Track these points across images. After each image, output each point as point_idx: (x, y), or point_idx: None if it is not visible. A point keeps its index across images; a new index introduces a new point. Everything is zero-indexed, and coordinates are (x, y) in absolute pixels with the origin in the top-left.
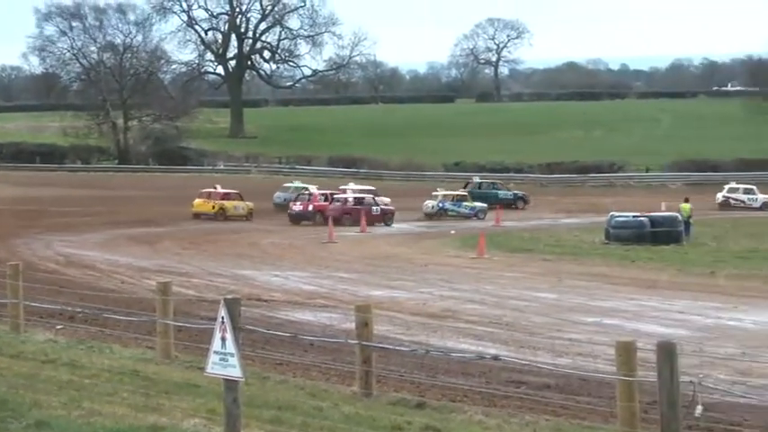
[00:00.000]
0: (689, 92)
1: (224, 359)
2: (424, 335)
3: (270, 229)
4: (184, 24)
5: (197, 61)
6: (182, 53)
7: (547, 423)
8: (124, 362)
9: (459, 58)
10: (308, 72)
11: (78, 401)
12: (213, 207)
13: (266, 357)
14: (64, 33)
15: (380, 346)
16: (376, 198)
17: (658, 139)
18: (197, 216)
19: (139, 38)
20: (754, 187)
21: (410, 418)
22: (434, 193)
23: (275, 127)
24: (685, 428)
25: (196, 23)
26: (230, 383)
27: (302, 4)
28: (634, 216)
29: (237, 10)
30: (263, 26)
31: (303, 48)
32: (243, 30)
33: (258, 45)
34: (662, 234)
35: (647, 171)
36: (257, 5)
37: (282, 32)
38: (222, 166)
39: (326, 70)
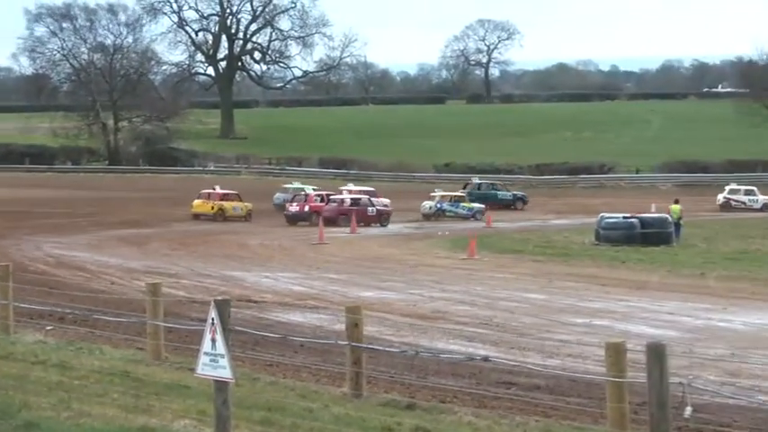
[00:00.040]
0: (679, 93)
1: (214, 360)
2: (414, 336)
3: (258, 231)
4: (175, 25)
5: (187, 62)
6: (172, 54)
7: (537, 424)
8: (114, 363)
9: (450, 60)
10: (298, 73)
11: (68, 403)
12: (212, 208)
13: (256, 358)
14: (54, 34)
15: (371, 347)
16: (376, 199)
17: (648, 141)
18: (196, 217)
19: (130, 39)
20: (755, 188)
21: (400, 420)
22: (432, 194)
23: (266, 128)
24: (675, 429)
25: (187, 24)
26: (220, 385)
27: (293, 6)
28: (624, 217)
29: (228, 11)
30: (253, 27)
31: (294, 49)
32: (233, 31)
33: (249, 46)
34: (652, 235)
35: (637, 172)
36: (248, 6)
37: (273, 33)
38: (212, 167)
39: (317, 71)
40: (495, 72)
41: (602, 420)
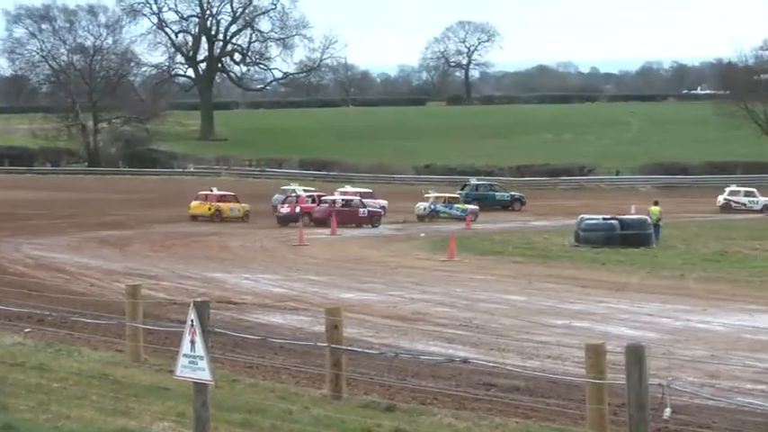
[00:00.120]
0: (659, 95)
1: (193, 362)
2: (393, 338)
3: (240, 233)
4: (154, 27)
5: (167, 63)
6: (152, 55)
7: (516, 425)
8: (93, 365)
9: (430, 61)
10: (278, 75)
11: (47, 405)
12: (209, 209)
13: (236, 360)
14: (33, 35)
15: (350, 348)
16: (372, 200)
17: (628, 143)
18: (194, 218)
19: (110, 40)
20: (755, 190)
21: (380, 421)
22: (426, 195)
23: (246, 129)
24: (654, 431)
25: (166, 26)
26: (200, 387)
27: (273, 7)
28: (604, 219)
29: (208, 12)
30: (233, 29)
31: (274, 50)
32: (213, 32)
33: (229, 47)
34: (632, 237)
35: (617, 174)
36: (228, 8)
37: (253, 35)
38: (192, 169)
39: (297, 73)
40: (475, 74)
41: (582, 422)
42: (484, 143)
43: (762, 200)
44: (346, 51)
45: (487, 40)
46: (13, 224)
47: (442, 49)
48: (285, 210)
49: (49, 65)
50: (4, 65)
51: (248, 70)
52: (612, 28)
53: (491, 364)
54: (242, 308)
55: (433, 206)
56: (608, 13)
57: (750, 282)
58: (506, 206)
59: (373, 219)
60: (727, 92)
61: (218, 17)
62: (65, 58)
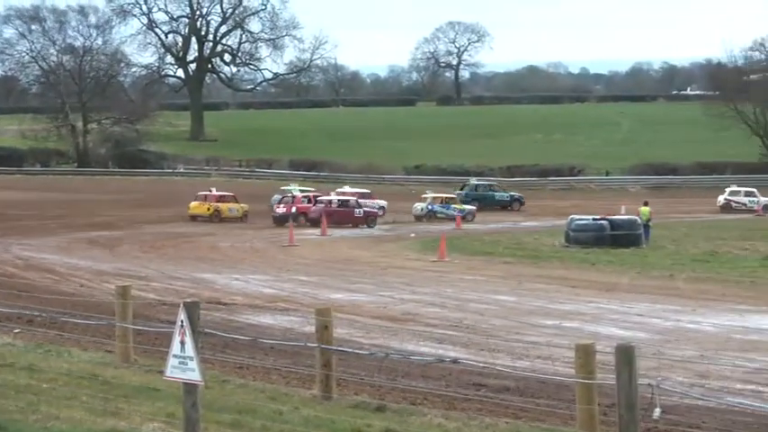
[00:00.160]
0: (648, 96)
1: (183, 363)
2: (384, 338)
3: (231, 233)
4: (144, 27)
5: (157, 64)
6: (142, 56)
7: (506, 426)
8: (83, 365)
9: (420, 62)
10: (268, 75)
11: (36, 405)
12: (208, 209)
13: (226, 361)
14: (23, 36)
15: (340, 349)
16: (371, 200)
17: (618, 143)
18: (193, 218)
19: (99, 41)
20: (755, 190)
21: (370, 422)
22: (424, 196)
23: (236, 130)
24: (644, 431)
25: (156, 26)
26: (190, 387)
27: (263, 8)
28: (594, 219)
29: (198, 13)
30: (223, 29)
31: (264, 51)
32: (203, 33)
33: (219, 48)
34: (622, 237)
35: (607, 174)
36: (218, 8)
37: (243, 35)
38: (182, 170)
39: (287, 73)
40: (465, 74)
41: (572, 422)
42: (474, 143)
43: (762, 200)
44: (336, 52)
45: (477, 41)
46: (2, 225)
47: (432, 50)
48: (281, 210)
49: (39, 65)
50: None
51: (238, 71)
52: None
53: (481, 365)
54: (232, 308)
55: (430, 206)
56: (598, 13)
57: (740, 282)
58: (505, 206)
59: (369, 219)
60: (717, 92)
61: (208, 18)
62: (54, 58)
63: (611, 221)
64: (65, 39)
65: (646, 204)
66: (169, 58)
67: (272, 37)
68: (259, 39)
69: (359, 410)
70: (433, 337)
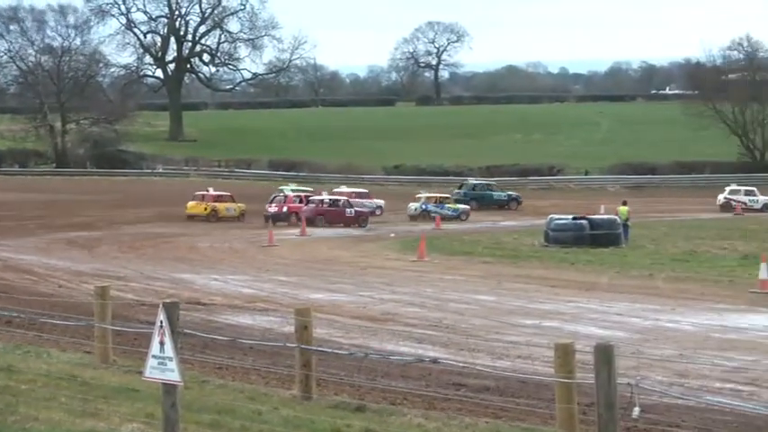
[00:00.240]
0: (627, 95)
1: (162, 363)
2: (363, 338)
3: (210, 234)
4: (123, 27)
5: (136, 64)
6: (120, 56)
7: (486, 425)
8: (62, 366)
9: (400, 62)
10: (247, 75)
11: (15, 407)
12: (205, 209)
13: (205, 361)
14: (1, 36)
15: (320, 349)
16: (369, 200)
17: (597, 143)
18: (191, 218)
19: (78, 41)
20: (755, 189)
21: (350, 422)
22: (418, 196)
23: (215, 130)
24: (623, 430)
25: (135, 26)
26: (169, 388)
27: (242, 8)
28: (573, 219)
29: (177, 13)
30: (202, 29)
31: (243, 51)
32: (182, 33)
33: (197, 48)
34: (601, 237)
35: (586, 174)
36: (196, 8)
37: (222, 36)
38: (161, 170)
39: (266, 73)
40: (444, 74)
41: (552, 421)
42: (453, 143)
43: (762, 198)
44: (315, 52)
45: (457, 41)
46: None
47: (412, 50)
48: (273, 209)
49: (17, 66)
50: None
51: (217, 71)
52: (582, 28)
53: (461, 365)
54: (211, 309)
55: (424, 206)
56: (577, 13)
57: (718, 281)
58: (503, 205)
59: (360, 219)
60: (696, 92)
61: (187, 18)
62: (33, 58)
63: (590, 221)
64: (43, 39)
65: (624, 204)
66: (148, 59)
67: (251, 37)
68: (238, 39)
69: (338, 410)
70: (413, 336)
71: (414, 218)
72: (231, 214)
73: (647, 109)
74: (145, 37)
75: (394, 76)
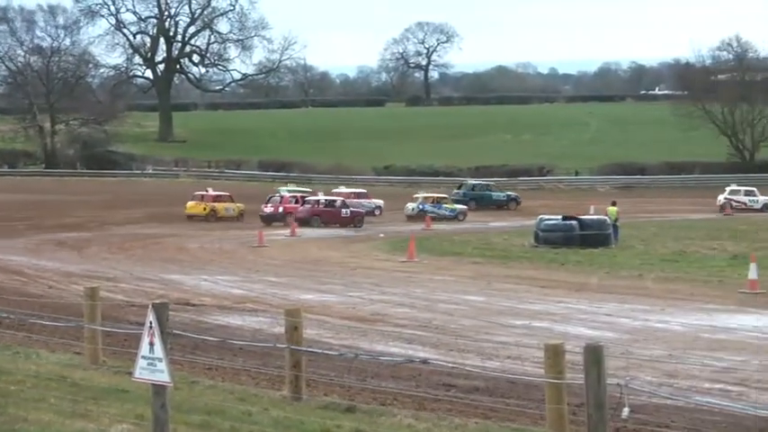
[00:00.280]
0: (617, 96)
1: (152, 364)
2: (353, 338)
3: (199, 234)
4: (112, 28)
5: (125, 65)
6: (110, 57)
7: (476, 426)
8: (51, 367)
9: (390, 62)
10: (237, 76)
11: (4, 408)
12: (204, 209)
13: (195, 362)
14: None
15: (310, 350)
16: (367, 200)
17: (587, 143)
18: (190, 218)
19: (67, 41)
20: (755, 189)
21: (340, 422)
22: (415, 196)
23: (204, 131)
24: (613, 430)
25: (124, 27)
26: (158, 388)
27: (231, 8)
28: (563, 219)
29: (166, 13)
30: (192, 30)
31: (233, 51)
32: (172, 33)
33: (187, 49)
34: (591, 237)
35: (576, 174)
36: (186, 9)
37: (212, 36)
38: (151, 171)
39: (256, 74)
40: (434, 75)
41: (541, 422)
42: (443, 144)
43: (762, 199)
44: (305, 52)
45: (446, 41)
46: None
47: (401, 50)
48: (269, 210)
49: (6, 66)
50: None
51: (207, 71)
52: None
53: (451, 365)
54: (201, 309)
55: (421, 206)
56: (567, 13)
57: (708, 281)
58: (502, 206)
59: (356, 219)
60: (685, 92)
61: (177, 18)
62: (22, 59)
63: (580, 221)
64: (32, 39)
65: (614, 204)
66: (137, 59)
67: (240, 37)
68: (228, 39)
69: (329, 411)
70: (403, 337)
71: (411, 218)
72: (230, 214)
73: (637, 109)
74: (134, 37)
75: (384, 76)
